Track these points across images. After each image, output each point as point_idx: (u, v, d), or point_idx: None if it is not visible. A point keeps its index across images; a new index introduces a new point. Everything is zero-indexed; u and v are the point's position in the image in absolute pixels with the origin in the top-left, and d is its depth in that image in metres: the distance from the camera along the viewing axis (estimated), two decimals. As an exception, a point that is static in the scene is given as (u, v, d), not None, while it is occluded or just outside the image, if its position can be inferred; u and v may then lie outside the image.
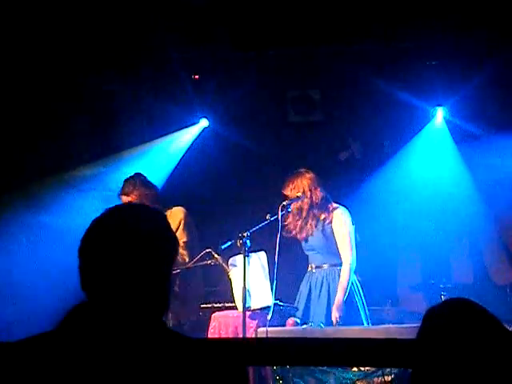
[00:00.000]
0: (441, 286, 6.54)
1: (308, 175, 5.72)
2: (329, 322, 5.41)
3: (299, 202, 5.65)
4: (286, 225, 5.71)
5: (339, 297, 5.45)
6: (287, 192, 5.70)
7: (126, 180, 5.74)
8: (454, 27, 6.66)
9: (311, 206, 5.66)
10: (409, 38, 6.98)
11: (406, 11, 6.34)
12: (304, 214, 5.68)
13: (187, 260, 5.58)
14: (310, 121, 7.74)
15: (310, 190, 5.66)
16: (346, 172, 7.69)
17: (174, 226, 5.68)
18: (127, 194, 5.62)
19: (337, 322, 5.37)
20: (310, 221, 5.66)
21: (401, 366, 2.08)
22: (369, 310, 5.71)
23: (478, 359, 1.83)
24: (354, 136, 7.79)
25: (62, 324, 1.76)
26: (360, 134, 7.76)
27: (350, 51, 7.18)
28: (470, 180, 7.22)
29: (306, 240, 5.73)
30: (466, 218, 7.22)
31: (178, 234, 5.70)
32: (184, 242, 5.66)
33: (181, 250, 5.63)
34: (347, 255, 5.56)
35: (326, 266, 5.66)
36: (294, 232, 5.74)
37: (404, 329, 5.09)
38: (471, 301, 2.14)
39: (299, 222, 5.70)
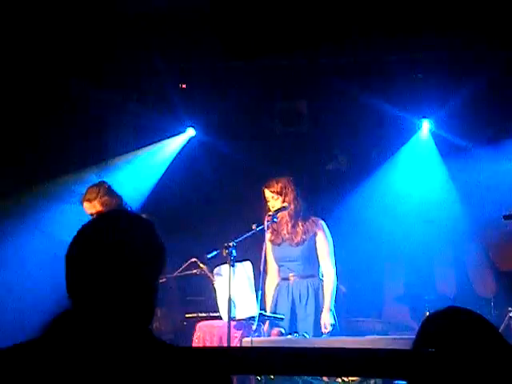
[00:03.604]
0: (425, 297, 6.55)
1: (293, 182, 5.75)
2: (318, 333, 5.44)
3: (288, 209, 5.67)
4: (276, 232, 5.72)
5: (327, 304, 5.52)
6: (270, 189, 5.67)
7: (91, 187, 5.63)
8: (440, 40, 6.71)
9: (298, 214, 5.69)
10: (395, 50, 7.03)
11: (392, 24, 6.38)
12: (292, 221, 5.70)
13: None
14: (296, 132, 7.76)
15: (297, 197, 5.70)
16: (332, 183, 7.72)
17: None
18: (89, 201, 5.50)
19: (326, 329, 5.41)
20: (298, 229, 5.69)
21: (395, 376, 2.07)
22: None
23: (477, 367, 1.83)
24: (341, 147, 7.82)
25: (47, 331, 1.76)
26: (346, 145, 7.79)
27: (337, 63, 7.22)
28: (455, 192, 7.26)
29: (289, 249, 5.74)
30: (450, 230, 7.25)
31: None
32: None
33: None
34: (331, 266, 5.66)
35: (308, 277, 5.69)
36: (284, 239, 5.75)
37: (389, 340, 5.11)
38: (467, 309, 2.14)
39: (288, 230, 5.71)
